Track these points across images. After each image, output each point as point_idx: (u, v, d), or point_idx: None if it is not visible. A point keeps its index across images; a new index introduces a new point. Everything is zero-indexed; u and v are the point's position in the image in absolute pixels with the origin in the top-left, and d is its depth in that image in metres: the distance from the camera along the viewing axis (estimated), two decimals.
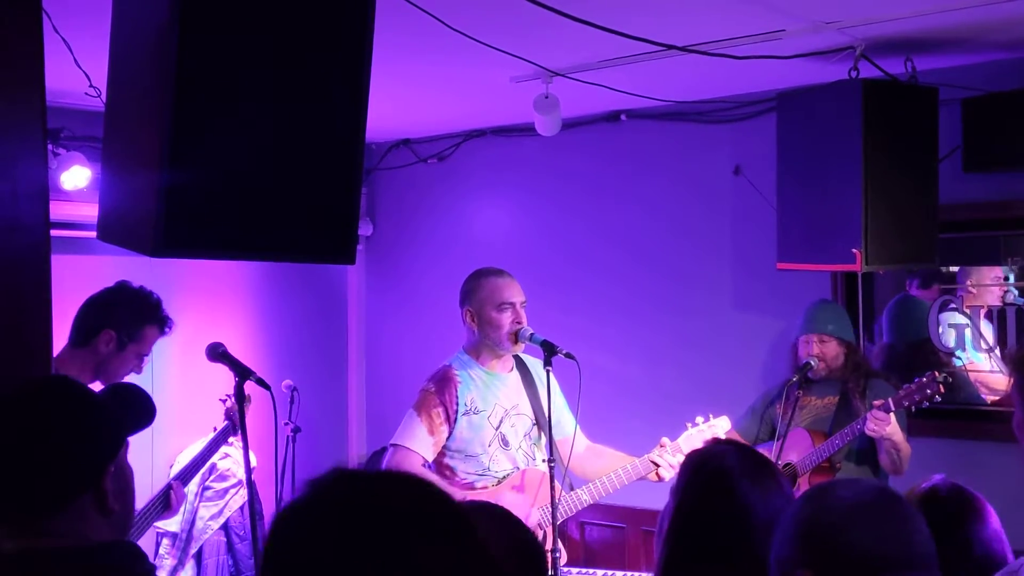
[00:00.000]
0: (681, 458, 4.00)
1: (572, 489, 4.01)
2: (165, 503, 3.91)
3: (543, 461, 3.99)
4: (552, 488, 3.81)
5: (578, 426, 4.09)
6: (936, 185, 4.21)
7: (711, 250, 5.39)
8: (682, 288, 5.49)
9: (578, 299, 5.79)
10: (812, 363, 4.36)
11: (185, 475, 4.12)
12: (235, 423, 4.19)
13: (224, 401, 4.22)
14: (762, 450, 4.46)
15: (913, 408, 4.06)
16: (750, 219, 5.15)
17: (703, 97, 5.19)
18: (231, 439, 5.27)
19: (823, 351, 4.38)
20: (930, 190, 4.19)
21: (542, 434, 4.11)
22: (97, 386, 3.83)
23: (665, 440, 4.06)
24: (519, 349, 4.12)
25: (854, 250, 3.98)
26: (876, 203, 3.98)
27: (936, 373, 4.03)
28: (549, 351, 3.88)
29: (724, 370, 5.27)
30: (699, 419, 4.19)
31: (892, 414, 4.05)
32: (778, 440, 4.21)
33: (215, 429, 4.17)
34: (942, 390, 4.00)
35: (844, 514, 1.75)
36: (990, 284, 4.70)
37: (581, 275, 5.83)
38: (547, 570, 1.89)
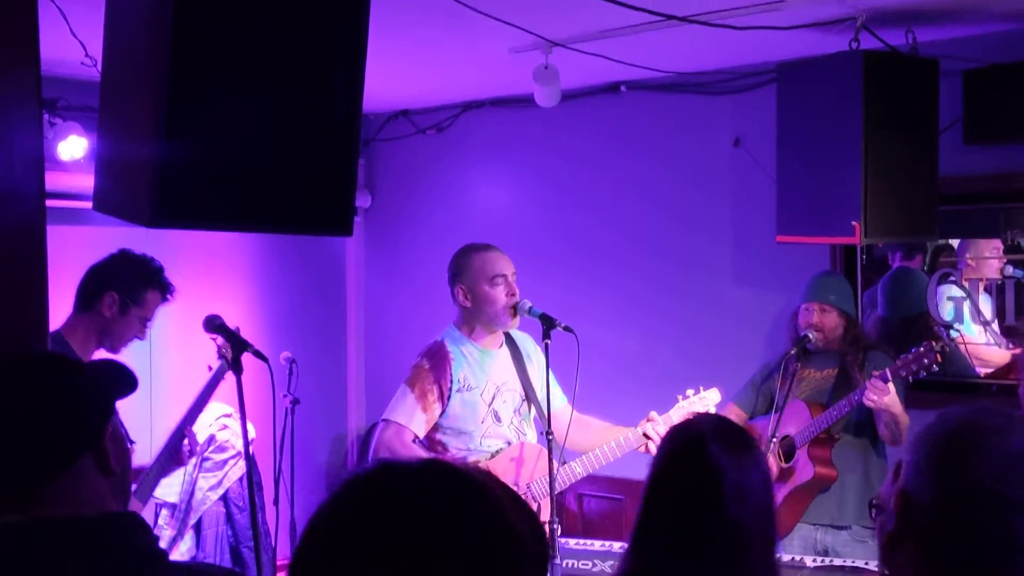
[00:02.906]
0: None
1: (565, 462, 4.03)
2: (172, 452, 3.96)
3: (541, 434, 4.00)
4: (550, 460, 3.83)
5: (565, 397, 4.10)
6: (936, 157, 4.19)
7: (710, 222, 5.38)
8: (681, 260, 5.48)
9: (576, 271, 5.79)
10: (810, 335, 4.35)
11: (190, 418, 4.10)
12: (228, 361, 4.18)
13: (215, 339, 4.21)
14: (761, 423, 4.51)
15: (911, 378, 4.05)
16: (750, 192, 5.14)
17: (703, 68, 5.16)
18: (232, 411, 5.32)
19: (823, 321, 4.37)
20: (930, 162, 4.18)
21: (532, 409, 4.12)
22: (102, 353, 3.89)
23: (653, 414, 4.07)
24: (516, 324, 4.11)
25: (853, 223, 3.97)
26: (876, 175, 3.97)
27: (933, 343, 4.02)
28: (548, 324, 3.88)
29: (723, 343, 5.28)
30: (689, 391, 4.20)
31: (891, 384, 4.04)
32: (776, 412, 4.21)
33: (209, 368, 4.16)
34: (939, 359, 3.99)
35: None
36: (989, 257, 4.69)
37: (579, 246, 5.82)
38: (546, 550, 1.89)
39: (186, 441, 3.97)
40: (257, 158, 2.38)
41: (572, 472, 4.01)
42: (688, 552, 2.16)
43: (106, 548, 1.78)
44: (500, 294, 4.01)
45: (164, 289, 3.94)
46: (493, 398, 4.06)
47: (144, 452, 4.12)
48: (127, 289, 3.82)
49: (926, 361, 3.99)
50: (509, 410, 4.09)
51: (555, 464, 3.87)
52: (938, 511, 1.54)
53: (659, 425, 4.01)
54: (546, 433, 3.87)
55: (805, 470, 4.30)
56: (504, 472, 3.96)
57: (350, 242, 6.59)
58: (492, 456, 4.03)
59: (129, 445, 3.87)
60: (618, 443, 4.02)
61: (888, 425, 4.14)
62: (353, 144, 2.51)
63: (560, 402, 4.12)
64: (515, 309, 4.02)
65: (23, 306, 2.12)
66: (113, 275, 3.84)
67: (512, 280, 4.04)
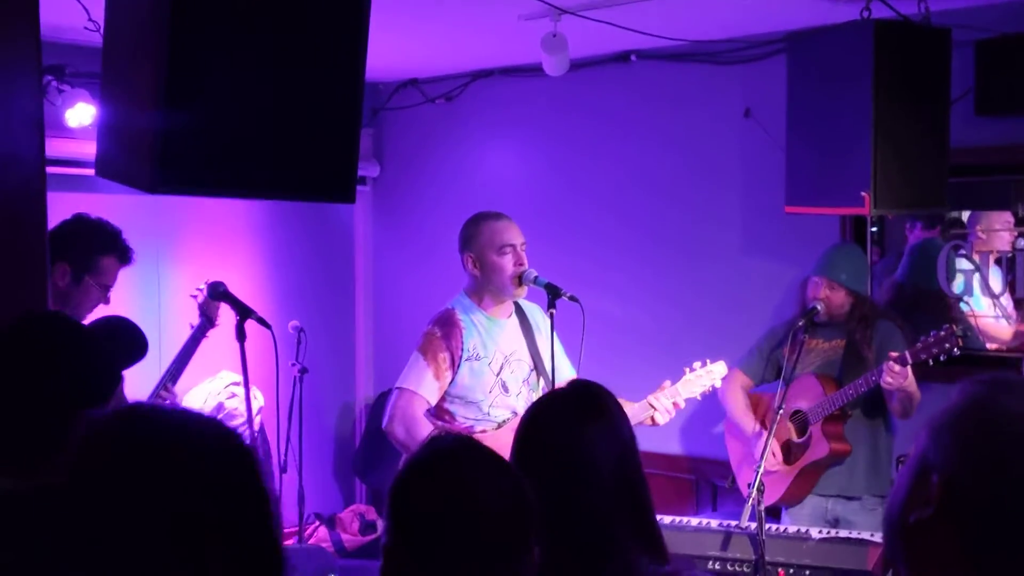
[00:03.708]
0: (680, 401, 4.04)
1: None
2: None
3: None
4: None
5: (575, 369, 4.09)
6: (947, 128, 4.15)
7: (720, 193, 5.36)
8: (690, 231, 5.46)
9: (584, 242, 5.78)
10: (818, 308, 4.34)
11: (173, 375, 4.06)
12: (209, 318, 4.13)
13: (195, 297, 4.15)
14: (767, 392, 4.50)
15: (931, 361, 4.03)
16: (759, 162, 5.11)
17: (714, 37, 5.12)
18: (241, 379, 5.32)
19: (829, 297, 4.36)
20: (941, 133, 4.14)
21: (540, 380, 4.12)
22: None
23: (667, 383, 4.05)
24: (522, 293, 4.10)
25: (863, 193, 3.94)
26: (885, 146, 3.93)
27: (954, 327, 3.99)
28: (553, 294, 3.88)
29: (731, 313, 5.26)
30: (696, 364, 4.18)
31: (908, 367, 4.02)
32: (783, 385, 4.20)
33: (191, 326, 4.11)
34: (961, 343, 3.97)
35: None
36: (1000, 229, 4.66)
37: (588, 218, 5.80)
38: (534, 517, 1.87)
39: (167, 401, 3.92)
40: (259, 125, 2.37)
41: None
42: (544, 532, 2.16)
43: None
44: (508, 263, 4.00)
45: (120, 253, 3.82)
46: (501, 368, 4.06)
47: None
48: (78, 258, 3.71)
49: (947, 346, 3.97)
50: (518, 380, 4.09)
51: None
52: (986, 500, 1.44)
53: (664, 397, 4.00)
54: None
55: (819, 446, 4.31)
56: (509, 443, 3.96)
57: (358, 211, 6.59)
58: (499, 426, 4.04)
59: None
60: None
61: (902, 401, 4.15)
62: (355, 110, 2.50)
63: (568, 374, 4.11)
64: (520, 279, 4.01)
65: (23, 267, 2.12)
66: (63, 244, 3.67)
67: (521, 250, 4.03)
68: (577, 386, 2.33)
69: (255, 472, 1.20)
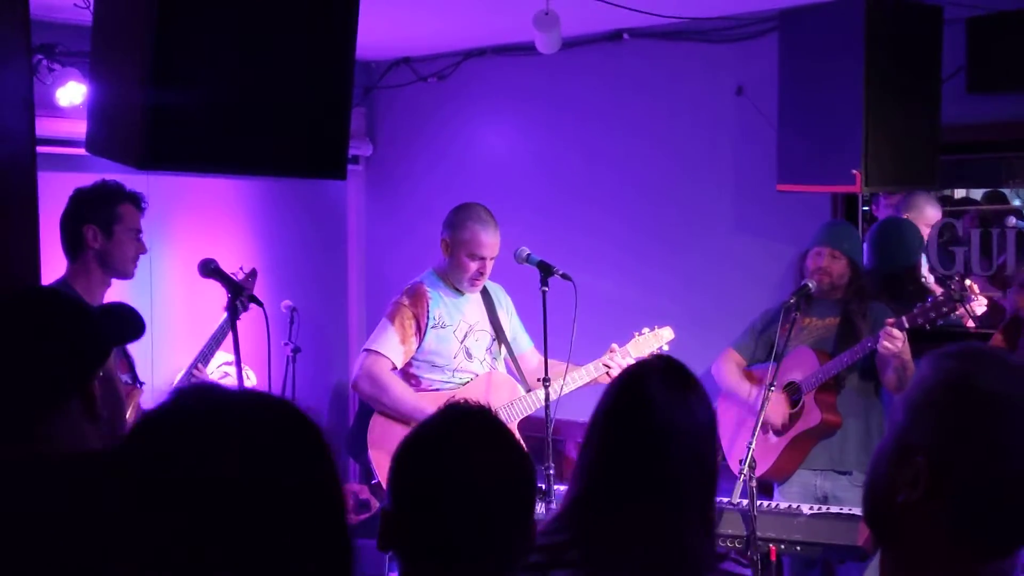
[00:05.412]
0: (631, 360, 4.17)
1: (530, 390, 4.34)
2: None
3: (509, 371, 4.33)
4: (547, 408, 3.93)
5: (532, 342, 4.39)
6: (939, 106, 4.16)
7: (712, 171, 5.36)
8: (682, 209, 5.46)
9: (576, 219, 5.77)
10: (810, 284, 4.36)
11: (204, 357, 4.14)
12: (244, 302, 4.18)
13: (235, 275, 4.19)
14: (761, 370, 4.52)
15: (928, 326, 4.04)
16: (751, 140, 5.11)
17: (706, 15, 5.11)
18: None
19: (831, 266, 4.38)
20: (932, 111, 4.15)
21: (502, 349, 4.43)
22: (113, 292, 3.92)
23: (615, 346, 4.33)
24: (474, 292, 4.34)
25: (854, 171, 3.95)
26: (877, 124, 3.94)
27: (952, 291, 4.01)
28: (545, 271, 4.06)
29: (722, 291, 5.27)
30: (645, 329, 4.44)
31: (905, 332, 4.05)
32: (774, 361, 4.22)
33: (225, 308, 4.15)
34: (958, 308, 3.99)
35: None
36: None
37: (580, 195, 5.80)
38: (534, 481, 1.89)
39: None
40: (249, 101, 2.37)
41: (538, 399, 4.17)
42: (614, 488, 2.16)
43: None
44: (471, 268, 4.24)
45: (133, 199, 3.93)
46: (465, 336, 4.32)
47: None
48: (100, 215, 3.83)
49: (944, 309, 3.99)
50: (481, 349, 4.35)
51: (521, 395, 4.23)
52: (982, 483, 1.42)
53: (617, 356, 4.27)
54: (543, 380, 3.96)
55: (811, 415, 4.33)
56: (478, 393, 4.12)
57: (351, 190, 6.58)
58: (463, 385, 4.29)
59: (138, 387, 3.92)
60: (579, 373, 4.26)
61: (896, 371, 4.14)
62: (346, 85, 2.50)
63: (527, 345, 4.46)
64: (474, 283, 4.27)
65: (13, 243, 2.12)
66: (80, 211, 3.85)
67: (489, 264, 4.27)
68: (669, 359, 2.34)
69: (313, 442, 1.16)
